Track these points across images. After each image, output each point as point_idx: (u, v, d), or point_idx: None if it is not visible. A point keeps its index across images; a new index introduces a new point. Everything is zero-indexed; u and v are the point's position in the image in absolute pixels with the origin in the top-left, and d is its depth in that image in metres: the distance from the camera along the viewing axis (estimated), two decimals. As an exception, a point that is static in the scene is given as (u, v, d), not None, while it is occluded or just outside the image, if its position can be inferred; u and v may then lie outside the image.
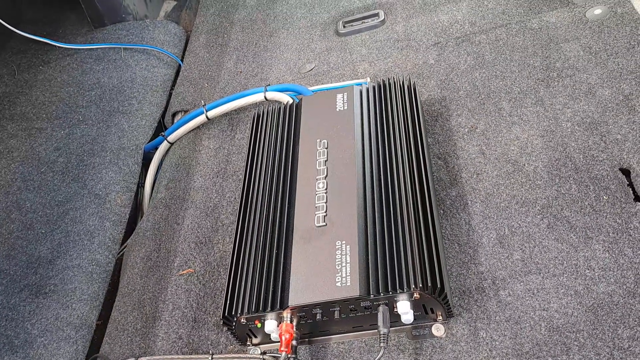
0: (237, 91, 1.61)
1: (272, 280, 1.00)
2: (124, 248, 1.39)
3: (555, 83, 1.29)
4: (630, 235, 1.00)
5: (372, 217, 1.04)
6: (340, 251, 0.99)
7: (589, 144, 1.15)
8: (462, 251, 1.08)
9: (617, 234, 1.01)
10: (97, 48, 1.86)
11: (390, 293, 0.93)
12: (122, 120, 1.62)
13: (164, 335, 1.13)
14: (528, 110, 1.26)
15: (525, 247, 1.05)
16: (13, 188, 1.49)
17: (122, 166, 1.51)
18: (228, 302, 1.00)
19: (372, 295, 0.93)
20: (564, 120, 1.21)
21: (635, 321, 0.91)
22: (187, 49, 1.86)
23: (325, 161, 1.14)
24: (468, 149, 1.24)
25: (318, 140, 1.19)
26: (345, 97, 1.26)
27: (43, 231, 1.39)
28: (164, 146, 1.56)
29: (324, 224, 1.04)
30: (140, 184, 1.55)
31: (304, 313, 0.97)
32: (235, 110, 1.53)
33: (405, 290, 0.92)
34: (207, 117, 1.52)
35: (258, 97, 1.48)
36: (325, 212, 1.06)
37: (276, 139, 1.25)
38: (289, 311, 0.96)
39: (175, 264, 1.26)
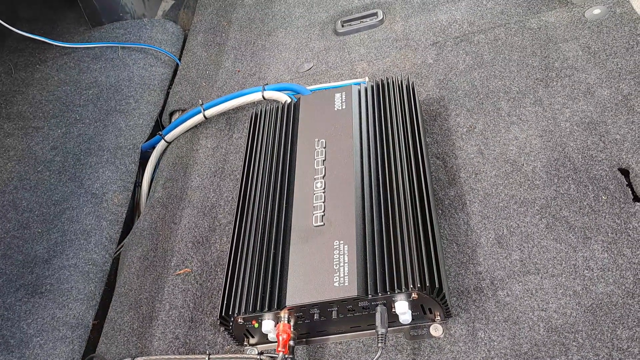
0: (235, 90, 1.61)
1: (269, 280, 0.99)
2: (121, 247, 1.38)
3: (554, 83, 1.28)
4: (629, 236, 1.00)
5: (370, 217, 1.03)
6: (338, 251, 0.98)
7: (588, 144, 1.15)
8: (460, 251, 1.08)
9: (616, 234, 1.01)
10: (95, 47, 1.85)
11: (389, 293, 0.92)
12: (120, 119, 1.61)
13: (161, 335, 1.13)
14: (527, 110, 1.25)
15: (523, 247, 1.04)
16: (9, 187, 1.48)
17: (119, 165, 1.50)
18: (225, 302, 1.00)
19: (370, 296, 0.93)
20: (563, 120, 1.21)
21: (634, 322, 0.90)
22: (185, 48, 1.86)
23: (324, 161, 1.14)
24: (467, 149, 1.24)
25: (316, 140, 1.18)
26: (343, 96, 1.25)
27: (39, 230, 1.38)
28: (161, 145, 1.55)
29: (322, 223, 1.03)
30: (138, 184, 1.54)
31: (302, 313, 0.97)
32: (233, 109, 1.52)
33: (403, 290, 0.92)
34: (204, 116, 1.52)
35: (256, 96, 1.48)
36: (323, 211, 1.05)
37: (274, 138, 1.24)
38: (287, 311, 0.96)
39: (172, 263, 1.25)
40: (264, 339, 1.03)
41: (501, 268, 1.03)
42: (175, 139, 1.55)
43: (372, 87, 1.28)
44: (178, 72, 1.76)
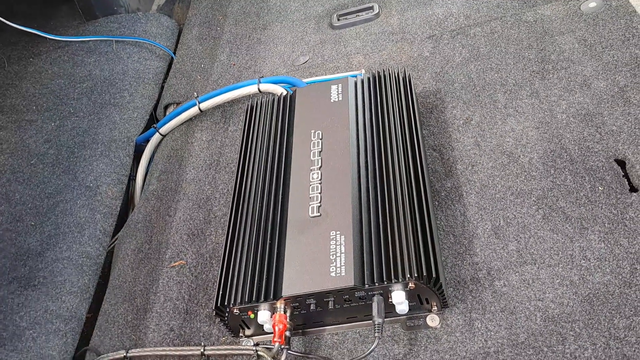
0: (230, 84, 1.60)
1: (265, 271, 0.99)
2: (115, 240, 1.37)
3: (551, 75, 1.28)
4: (626, 226, 1.00)
5: (366, 208, 1.03)
6: (334, 241, 0.98)
7: (584, 136, 1.15)
8: (457, 242, 1.07)
9: (612, 224, 1.01)
10: (89, 40, 1.84)
11: (385, 283, 0.92)
12: (114, 112, 1.60)
13: (155, 328, 1.12)
14: (523, 102, 1.25)
15: (520, 237, 1.04)
16: (2, 180, 1.47)
17: (113, 158, 1.49)
18: (221, 292, 0.99)
19: (366, 285, 0.92)
20: (559, 112, 1.21)
21: (631, 311, 0.90)
22: (180, 41, 1.85)
23: (320, 152, 1.13)
24: (463, 141, 1.23)
25: (312, 131, 1.18)
26: (340, 88, 1.25)
27: (32, 223, 1.37)
28: (155, 138, 1.54)
29: (318, 214, 1.03)
30: (132, 177, 1.53)
31: (298, 303, 0.96)
32: (228, 102, 1.52)
33: (400, 280, 0.91)
34: (199, 109, 1.51)
35: (251, 89, 1.47)
36: (320, 202, 1.04)
37: (270, 130, 1.23)
38: (283, 301, 0.95)
39: (167, 256, 1.24)
40: (260, 330, 1.02)
41: (498, 258, 1.03)
42: (170, 131, 1.54)
43: (369, 79, 1.27)
44: (173, 65, 1.75)
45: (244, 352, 1.01)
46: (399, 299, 0.92)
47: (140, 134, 1.56)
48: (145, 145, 1.55)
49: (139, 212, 1.37)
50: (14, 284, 1.25)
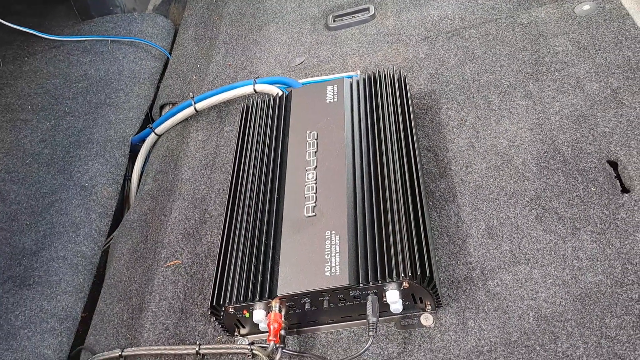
0: (226, 84, 1.60)
1: (260, 270, 0.99)
2: (110, 240, 1.37)
3: (544, 77, 1.29)
4: (618, 226, 1.01)
5: (361, 208, 1.03)
6: (329, 241, 0.98)
7: (577, 137, 1.16)
8: (451, 242, 1.08)
9: (604, 224, 1.02)
10: (84, 40, 1.84)
11: (380, 282, 0.93)
12: (109, 112, 1.60)
13: (151, 327, 1.12)
14: (517, 104, 1.26)
15: (513, 237, 1.05)
16: (-3, 179, 1.47)
17: (108, 158, 1.49)
18: (216, 291, 0.99)
19: (361, 285, 0.93)
20: (553, 114, 1.22)
21: (622, 310, 0.91)
22: (176, 41, 1.85)
23: (315, 152, 1.14)
24: (457, 142, 1.24)
25: (308, 132, 1.18)
26: (335, 89, 1.25)
27: (27, 223, 1.37)
28: (151, 138, 1.55)
29: (314, 214, 1.03)
30: (127, 177, 1.53)
31: (293, 303, 0.97)
32: (224, 102, 1.52)
33: (394, 279, 0.92)
34: (195, 109, 1.51)
35: (247, 89, 1.47)
36: (315, 202, 1.05)
37: (266, 130, 1.24)
38: (278, 300, 0.95)
39: (162, 255, 1.24)
40: (255, 329, 1.03)
41: (491, 258, 1.03)
42: (166, 131, 1.55)
43: (364, 80, 1.28)
44: (168, 65, 1.76)
45: (239, 350, 1.02)
46: (393, 298, 0.93)
47: (136, 134, 1.56)
48: (141, 145, 1.55)
49: (135, 211, 1.38)
50: (8, 283, 1.25)
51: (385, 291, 0.94)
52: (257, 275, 0.99)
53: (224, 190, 1.33)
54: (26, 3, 2.09)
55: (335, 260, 0.95)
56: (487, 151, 1.20)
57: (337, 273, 0.94)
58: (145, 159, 1.54)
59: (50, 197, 1.41)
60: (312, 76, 1.52)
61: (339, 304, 0.97)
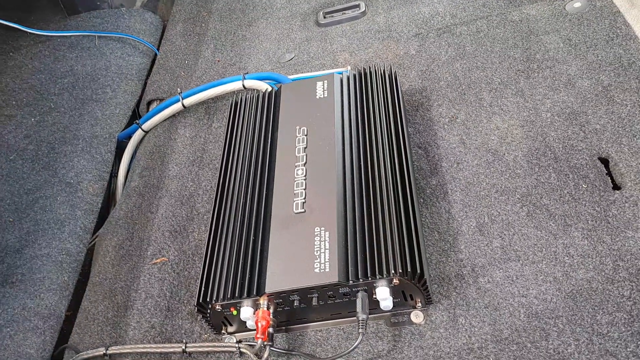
0: (214, 80, 1.58)
1: (248, 267, 0.98)
2: (96, 238, 1.34)
3: (536, 74, 1.29)
4: (609, 223, 1.00)
5: (351, 204, 1.02)
6: (319, 237, 0.97)
7: (569, 134, 1.16)
8: (442, 239, 1.07)
9: (595, 221, 1.01)
10: (71, 35, 1.81)
11: (370, 279, 0.91)
12: (96, 108, 1.58)
13: (136, 325, 1.10)
14: (508, 101, 1.26)
15: (504, 234, 1.04)
16: (-20, 175, 1.44)
17: (94, 154, 1.46)
18: (203, 288, 0.98)
19: (351, 281, 0.92)
20: (544, 111, 1.21)
21: (613, 307, 0.91)
22: (164, 37, 1.83)
23: (305, 148, 1.12)
24: (448, 139, 1.23)
25: (297, 127, 1.17)
26: (325, 84, 1.24)
27: (11, 219, 1.34)
28: (138, 134, 1.52)
29: (303, 210, 1.02)
30: (114, 173, 1.51)
31: (281, 300, 0.95)
32: (212, 98, 1.50)
33: (384, 276, 0.91)
34: (183, 105, 1.49)
35: (236, 85, 1.45)
36: (304, 198, 1.03)
37: (254, 126, 1.22)
38: (266, 298, 0.94)
39: (149, 252, 1.22)
40: (243, 327, 1.01)
41: (482, 255, 1.02)
42: (153, 128, 1.52)
43: (355, 75, 1.26)
44: (156, 61, 1.73)
45: (226, 349, 1.00)
46: (383, 295, 0.91)
47: (123, 130, 1.54)
48: (128, 142, 1.53)
49: (121, 208, 1.35)
50: (-10, 280, 1.22)
51: (375, 288, 0.92)
52: (245, 272, 0.97)
53: (211, 187, 1.31)
54: (11, -3, 2.06)
55: (325, 256, 0.94)
56: (478, 148, 1.19)
57: (327, 270, 0.92)
58: (132, 155, 1.52)
59: (34, 194, 1.38)
60: (302, 72, 1.51)
61: (329, 301, 0.95)
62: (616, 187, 1.06)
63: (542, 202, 1.07)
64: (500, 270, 0.99)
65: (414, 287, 0.93)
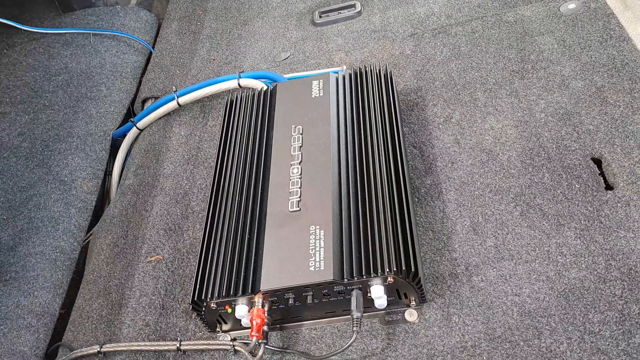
0: (210, 78, 1.58)
1: (243, 265, 0.98)
2: (90, 236, 1.34)
3: (530, 75, 1.29)
4: (602, 223, 1.01)
5: (346, 203, 1.02)
6: (314, 236, 0.97)
7: (562, 134, 1.16)
8: (436, 238, 1.07)
9: (588, 221, 1.02)
10: (65, 33, 1.80)
11: (364, 277, 0.92)
12: (90, 106, 1.57)
13: (131, 323, 1.10)
14: (503, 101, 1.26)
15: (498, 234, 1.05)
16: (-27, 173, 1.43)
17: (89, 152, 1.46)
18: (198, 286, 0.98)
19: (345, 280, 0.92)
20: (538, 111, 1.22)
21: (605, 306, 0.91)
22: (159, 35, 1.82)
23: (300, 147, 1.12)
24: (443, 139, 1.24)
25: (293, 126, 1.17)
26: (321, 83, 1.24)
27: (5, 217, 1.33)
28: (133, 132, 1.52)
29: (298, 209, 1.02)
30: (108, 171, 1.50)
31: (276, 298, 0.95)
32: (207, 97, 1.50)
33: (379, 275, 0.91)
34: (178, 103, 1.49)
35: (231, 83, 1.45)
36: (300, 197, 1.04)
37: (250, 125, 1.22)
38: (261, 296, 0.94)
39: (143, 250, 1.22)
40: (237, 325, 1.01)
41: (476, 254, 1.03)
42: (148, 126, 1.52)
43: (350, 75, 1.27)
44: (151, 59, 1.73)
45: (220, 347, 1.00)
46: (378, 293, 0.92)
47: (117, 128, 1.53)
48: (122, 140, 1.52)
49: (115, 206, 1.35)
50: (-16, 278, 1.22)
51: (369, 286, 0.93)
52: (240, 270, 0.97)
53: (206, 185, 1.31)
54: (5, -6, 2.05)
55: (320, 255, 0.94)
56: (472, 148, 1.20)
57: (322, 268, 0.92)
58: (127, 153, 1.51)
59: (28, 192, 1.38)
60: (297, 71, 1.51)
61: (323, 299, 0.96)
62: (609, 187, 1.07)
63: (536, 202, 1.07)
64: (494, 269, 1.00)
65: (409, 285, 0.93)
